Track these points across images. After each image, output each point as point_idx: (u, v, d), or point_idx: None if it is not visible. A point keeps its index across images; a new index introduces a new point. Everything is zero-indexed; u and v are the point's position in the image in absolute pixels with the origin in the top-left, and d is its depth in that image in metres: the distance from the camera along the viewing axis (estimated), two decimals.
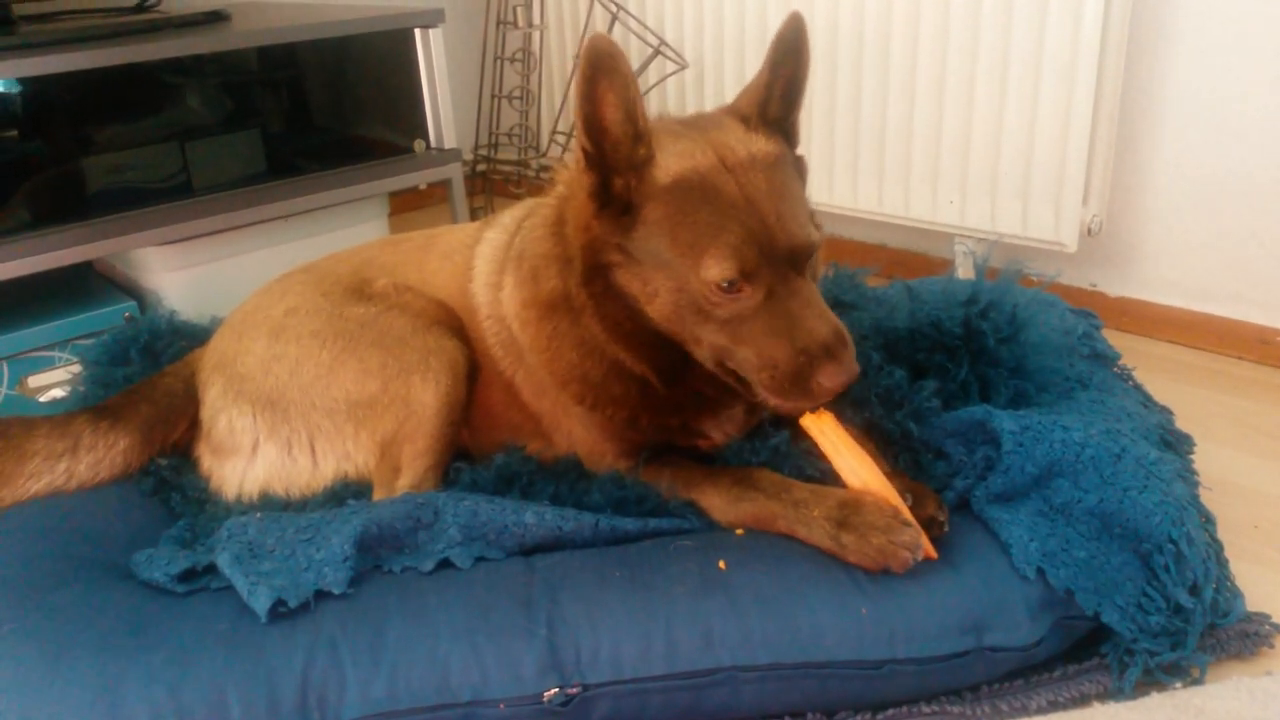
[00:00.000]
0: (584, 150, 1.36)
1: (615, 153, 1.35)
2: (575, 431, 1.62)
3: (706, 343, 1.39)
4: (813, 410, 1.44)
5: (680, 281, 1.36)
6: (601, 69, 1.29)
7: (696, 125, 1.43)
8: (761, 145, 1.40)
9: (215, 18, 2.68)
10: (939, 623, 1.32)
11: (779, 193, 1.35)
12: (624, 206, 1.38)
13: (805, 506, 1.40)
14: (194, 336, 2.03)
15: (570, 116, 3.35)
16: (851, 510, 1.36)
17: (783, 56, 1.41)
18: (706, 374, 1.45)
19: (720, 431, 1.60)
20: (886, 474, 1.43)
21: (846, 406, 1.59)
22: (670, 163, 1.36)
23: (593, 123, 1.33)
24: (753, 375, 1.36)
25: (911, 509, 1.38)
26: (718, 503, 1.48)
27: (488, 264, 1.71)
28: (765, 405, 1.41)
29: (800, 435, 1.61)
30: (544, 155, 3.57)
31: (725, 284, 1.32)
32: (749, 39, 2.92)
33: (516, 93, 3.46)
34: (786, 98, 1.44)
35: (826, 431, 1.44)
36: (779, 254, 1.33)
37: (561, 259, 1.50)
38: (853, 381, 1.33)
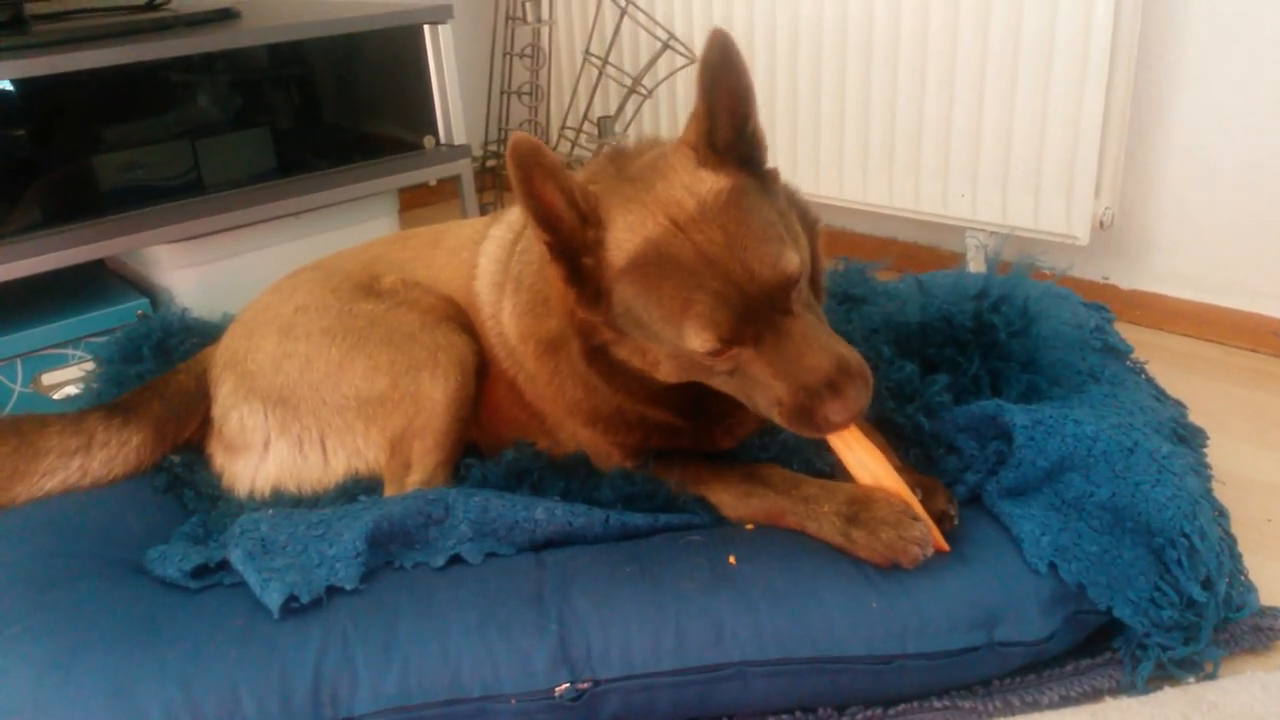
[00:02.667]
0: (545, 243, 1.32)
1: (571, 238, 1.32)
2: (580, 434, 1.62)
3: (723, 387, 1.37)
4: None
5: (674, 349, 1.33)
6: (531, 165, 1.25)
7: (642, 179, 1.34)
8: (711, 184, 1.31)
9: (225, 15, 2.69)
10: (950, 617, 1.32)
11: (739, 240, 1.27)
12: (596, 290, 1.34)
13: (815, 502, 1.40)
14: (206, 333, 2.03)
15: (580, 112, 3.35)
16: (861, 506, 1.36)
17: (714, 79, 1.30)
18: (727, 396, 1.42)
19: (731, 438, 1.59)
20: (897, 469, 1.42)
21: None
22: (623, 239, 1.30)
23: (541, 215, 1.29)
24: (765, 414, 1.34)
25: (922, 503, 1.38)
26: (727, 499, 1.48)
27: (492, 263, 1.71)
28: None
29: None
30: (553, 150, 3.57)
31: (710, 352, 1.28)
32: (758, 31, 2.91)
33: (525, 88, 3.46)
34: (734, 116, 1.33)
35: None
36: (756, 305, 1.27)
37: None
38: (862, 412, 1.30)
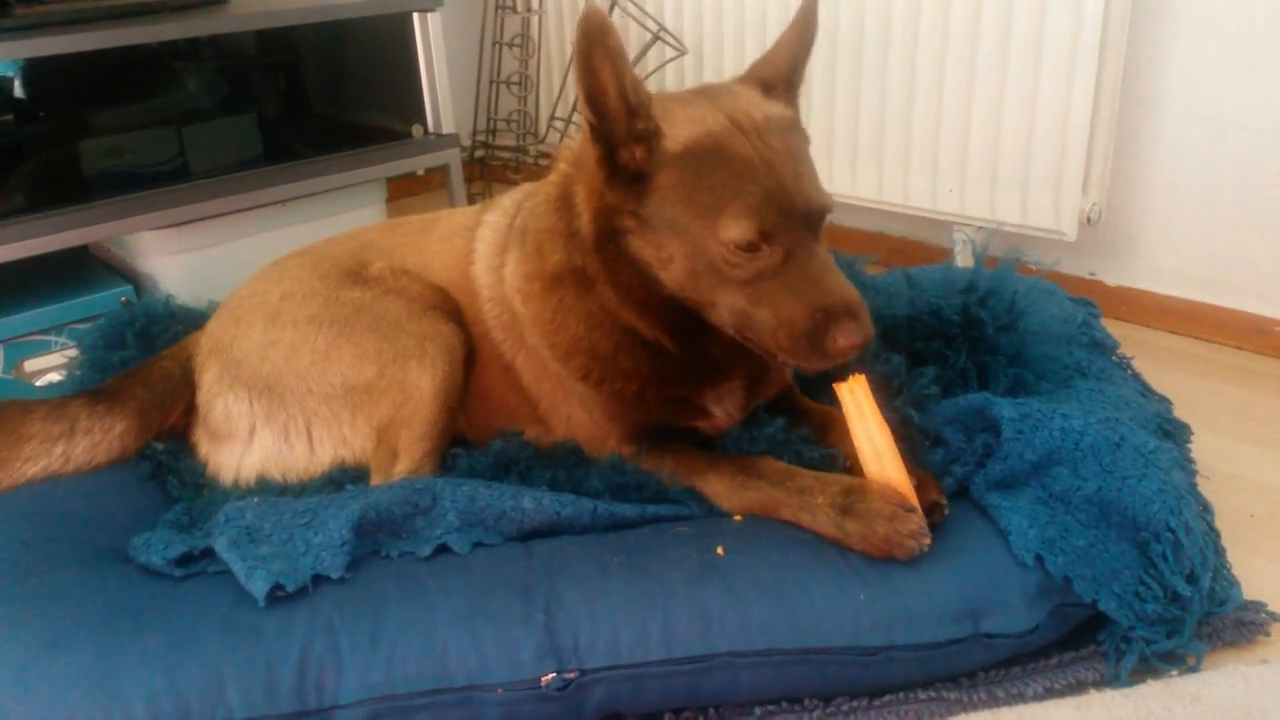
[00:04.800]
0: (589, 123, 1.37)
1: (615, 126, 1.36)
2: (576, 415, 1.62)
3: (724, 305, 1.39)
4: (835, 372, 1.43)
5: (696, 245, 1.36)
6: (595, 42, 1.30)
7: (707, 93, 1.46)
8: (779, 110, 1.43)
9: (212, 1, 2.66)
10: (936, 609, 1.32)
11: (795, 155, 1.37)
12: (634, 175, 1.38)
13: (809, 494, 1.40)
14: (190, 321, 2.02)
15: (569, 102, 3.34)
16: (856, 498, 1.36)
17: (804, 27, 1.48)
18: (720, 336, 1.45)
19: (722, 408, 1.60)
20: None
21: None
22: (680, 130, 1.37)
23: (592, 95, 1.34)
24: (768, 338, 1.36)
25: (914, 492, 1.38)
26: (721, 490, 1.48)
27: (489, 246, 1.70)
28: (782, 366, 1.43)
29: (797, 422, 1.61)
30: (542, 141, 3.56)
31: (744, 244, 1.32)
32: (748, 24, 2.91)
33: (515, 78, 3.44)
34: (800, 67, 1.49)
35: (857, 393, 1.43)
36: (797, 215, 1.34)
37: (566, 233, 1.51)
38: (868, 344, 1.34)
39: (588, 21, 1.29)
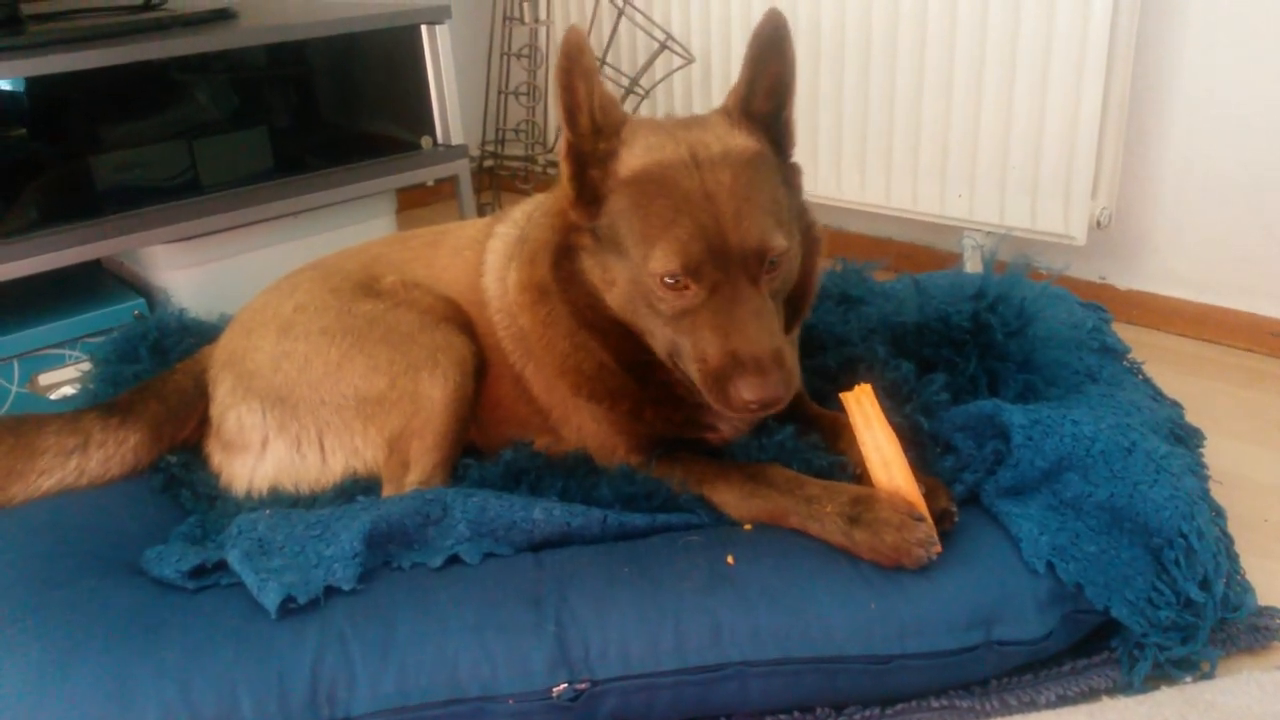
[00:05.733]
0: (566, 140, 1.41)
1: (584, 143, 1.40)
2: (585, 426, 1.63)
3: (658, 335, 1.40)
4: (841, 381, 1.43)
5: (634, 272, 1.38)
6: (574, 61, 1.35)
7: (684, 123, 1.45)
8: (740, 141, 1.40)
9: (222, 15, 2.69)
10: (948, 617, 1.32)
11: (743, 192, 1.34)
12: (594, 195, 1.41)
13: (818, 502, 1.40)
14: (203, 334, 2.03)
15: None
16: (864, 507, 1.36)
17: (761, 52, 1.41)
18: (663, 365, 1.45)
19: (728, 424, 1.60)
20: None
21: None
22: (636, 156, 1.39)
23: (569, 111, 1.39)
24: (689, 368, 1.36)
25: (924, 499, 1.38)
26: (730, 499, 1.48)
27: (498, 258, 1.71)
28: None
29: (807, 429, 1.61)
30: (551, 150, 3.57)
31: (669, 277, 1.32)
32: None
33: (523, 88, 3.46)
34: (773, 94, 1.44)
35: (863, 403, 1.43)
36: (730, 255, 1.32)
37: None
38: (774, 404, 1.31)
39: (568, 43, 1.35)
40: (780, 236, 1.35)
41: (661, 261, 1.32)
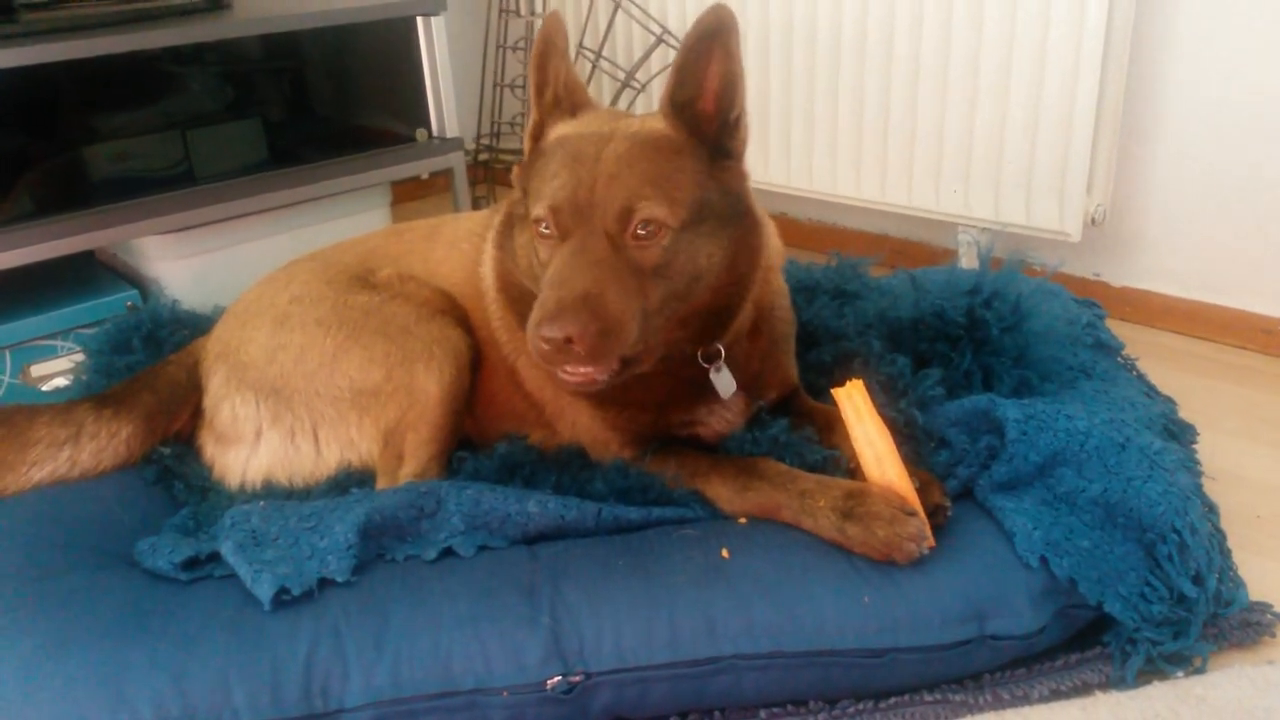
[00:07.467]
0: (533, 119, 1.52)
1: (543, 112, 1.51)
2: (579, 420, 1.62)
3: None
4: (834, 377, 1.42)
5: (529, 232, 1.43)
6: (552, 40, 1.49)
7: (632, 113, 1.56)
8: (651, 125, 1.43)
9: (216, 6, 2.67)
10: (941, 611, 1.32)
11: (629, 160, 1.36)
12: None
13: (811, 497, 1.40)
14: (196, 325, 2.03)
15: None
16: (857, 501, 1.36)
17: (696, 44, 1.38)
18: None
19: (719, 419, 1.60)
20: None
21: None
22: (565, 127, 1.47)
23: (539, 88, 1.51)
24: None
25: (917, 494, 1.38)
26: (724, 493, 1.48)
27: (497, 249, 1.71)
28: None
29: (799, 424, 1.61)
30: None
31: (543, 227, 1.37)
32: (752, 27, 2.91)
33: (519, 81, 3.44)
34: (721, 94, 1.40)
35: (855, 398, 1.44)
36: (594, 208, 1.34)
37: None
38: (555, 340, 1.26)
39: (548, 26, 1.50)
40: (655, 205, 1.33)
41: (538, 207, 1.38)
